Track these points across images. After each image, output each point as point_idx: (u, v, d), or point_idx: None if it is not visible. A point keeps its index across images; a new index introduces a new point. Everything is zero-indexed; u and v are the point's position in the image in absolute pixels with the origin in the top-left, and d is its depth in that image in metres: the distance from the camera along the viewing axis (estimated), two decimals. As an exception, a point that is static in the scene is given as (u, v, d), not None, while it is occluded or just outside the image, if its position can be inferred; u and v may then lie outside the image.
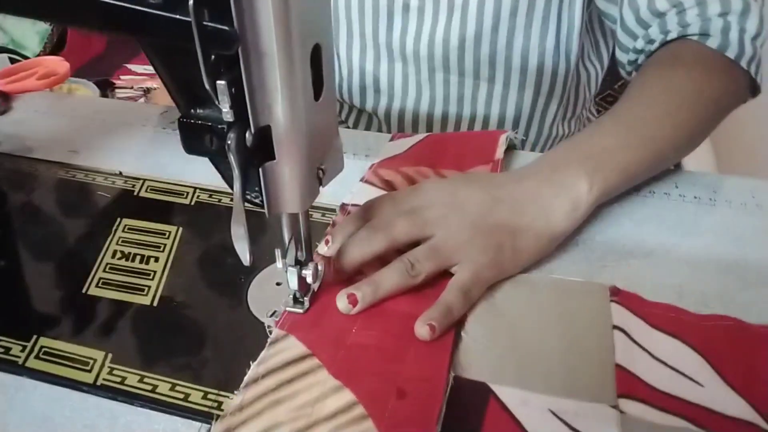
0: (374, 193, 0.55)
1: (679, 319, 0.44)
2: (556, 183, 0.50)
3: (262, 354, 0.42)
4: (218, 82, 0.33)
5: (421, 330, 0.43)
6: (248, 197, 0.40)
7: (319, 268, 0.45)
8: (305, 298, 0.45)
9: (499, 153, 0.60)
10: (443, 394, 0.39)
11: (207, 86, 0.33)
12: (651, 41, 0.63)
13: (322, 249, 0.48)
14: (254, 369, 0.41)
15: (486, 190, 0.50)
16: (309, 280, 0.45)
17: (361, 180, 0.58)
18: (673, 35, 0.60)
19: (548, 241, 0.49)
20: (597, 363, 0.42)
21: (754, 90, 0.61)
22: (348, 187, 0.57)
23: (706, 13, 0.59)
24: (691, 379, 0.41)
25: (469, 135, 0.72)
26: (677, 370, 0.41)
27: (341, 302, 0.45)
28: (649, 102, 0.56)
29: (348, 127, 0.88)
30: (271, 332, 0.44)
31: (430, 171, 0.58)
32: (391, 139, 0.65)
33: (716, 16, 0.58)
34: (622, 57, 0.67)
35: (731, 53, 0.57)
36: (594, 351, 0.42)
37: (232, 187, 0.37)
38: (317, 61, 0.36)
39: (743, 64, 0.58)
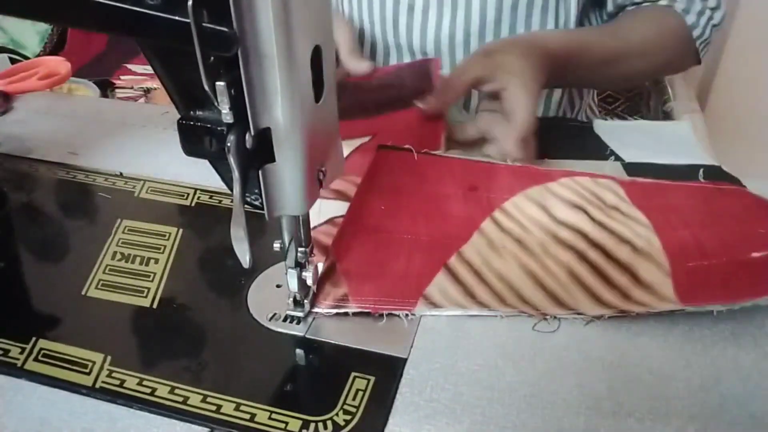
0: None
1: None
2: None
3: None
4: (218, 83, 0.33)
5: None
6: (248, 199, 0.39)
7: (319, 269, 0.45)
8: (305, 300, 0.45)
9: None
10: None
11: (206, 87, 0.33)
12: None
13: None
14: None
15: None
16: (309, 282, 0.45)
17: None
18: (664, 1, 0.75)
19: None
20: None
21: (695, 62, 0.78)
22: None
23: None
24: None
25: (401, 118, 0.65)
26: None
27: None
28: (610, 30, 0.73)
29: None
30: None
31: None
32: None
33: (699, 0, 0.74)
34: None
35: (696, 32, 0.73)
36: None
37: (231, 189, 0.37)
38: (318, 62, 0.36)
39: (698, 44, 0.74)
